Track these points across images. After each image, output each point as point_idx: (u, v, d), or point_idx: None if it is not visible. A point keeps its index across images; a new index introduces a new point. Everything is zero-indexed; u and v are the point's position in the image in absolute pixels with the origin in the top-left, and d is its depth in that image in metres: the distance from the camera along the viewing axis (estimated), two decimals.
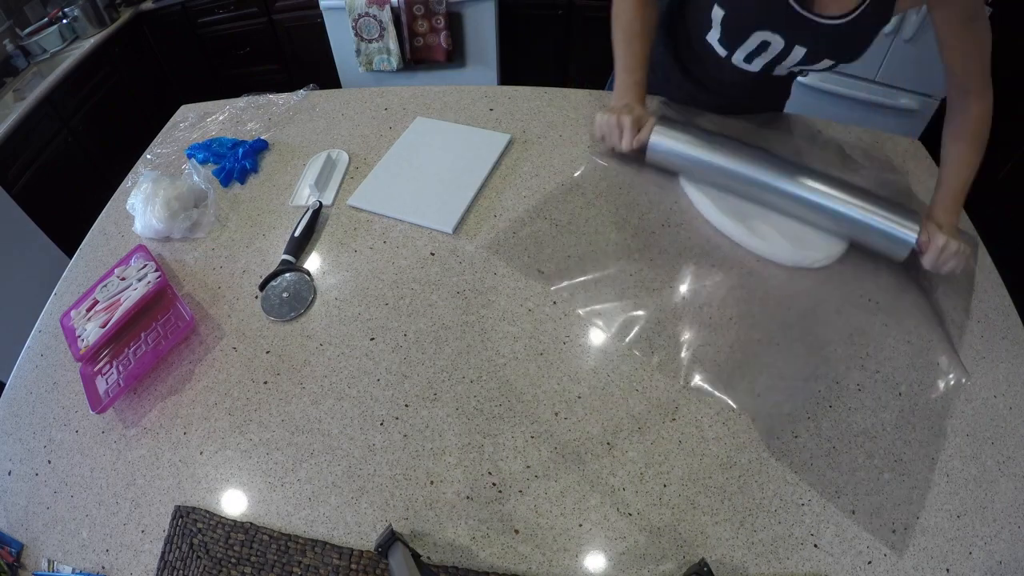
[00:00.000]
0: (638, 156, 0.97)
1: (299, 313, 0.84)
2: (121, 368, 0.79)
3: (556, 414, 0.72)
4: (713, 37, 0.93)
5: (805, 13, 0.81)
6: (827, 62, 0.87)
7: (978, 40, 0.79)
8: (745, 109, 1.10)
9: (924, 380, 0.75)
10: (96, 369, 0.80)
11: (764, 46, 0.88)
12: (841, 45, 0.85)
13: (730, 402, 0.72)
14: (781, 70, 0.94)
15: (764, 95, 1.12)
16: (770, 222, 0.89)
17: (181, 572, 0.63)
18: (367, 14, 2.26)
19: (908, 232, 0.80)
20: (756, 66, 0.94)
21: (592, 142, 1.05)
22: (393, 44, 2.33)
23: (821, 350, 0.77)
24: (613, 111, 0.94)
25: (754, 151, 0.91)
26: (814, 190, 0.85)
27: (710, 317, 0.81)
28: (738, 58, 0.94)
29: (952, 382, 0.74)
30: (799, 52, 0.87)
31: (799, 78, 1.31)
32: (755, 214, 0.90)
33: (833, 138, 1.08)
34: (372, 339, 0.81)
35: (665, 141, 0.93)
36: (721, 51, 0.95)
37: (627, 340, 0.78)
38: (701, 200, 0.93)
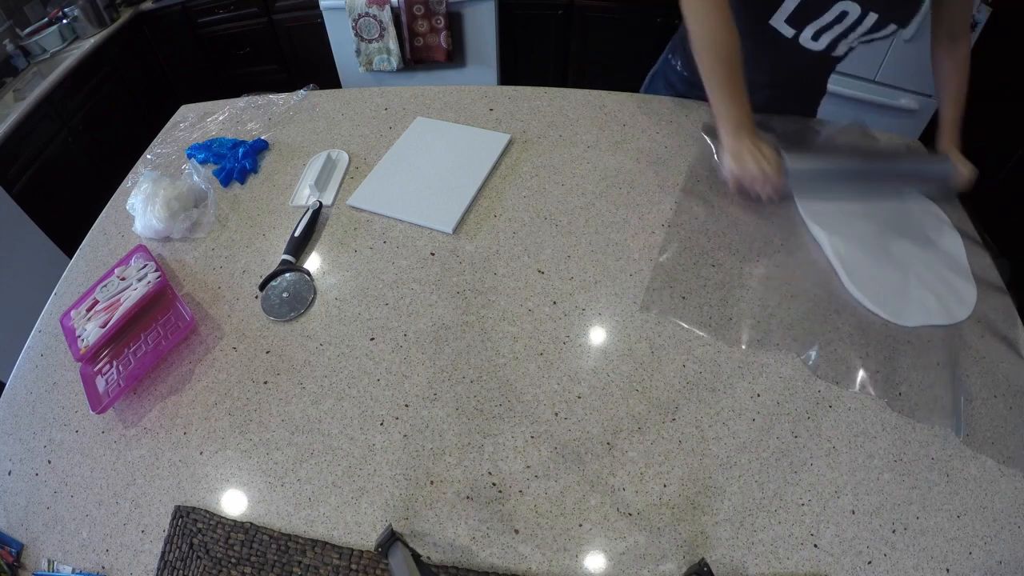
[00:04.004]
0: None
1: (299, 313, 0.84)
2: (121, 368, 0.79)
3: (556, 414, 0.72)
4: (779, 19, 0.94)
5: None
6: (892, 27, 0.90)
7: None
8: (787, 102, 1.11)
9: (924, 380, 0.75)
10: (96, 369, 0.80)
11: (841, 17, 0.90)
12: (905, 8, 0.88)
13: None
14: (844, 45, 0.96)
15: (810, 84, 1.15)
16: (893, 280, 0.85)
17: (181, 572, 0.63)
18: (367, 14, 2.26)
19: (946, 165, 0.94)
20: (823, 43, 0.95)
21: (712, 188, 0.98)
22: (393, 44, 2.33)
23: (822, 349, 0.77)
24: (750, 156, 0.89)
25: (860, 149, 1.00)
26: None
27: (710, 317, 0.81)
28: (806, 36, 0.95)
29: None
30: (871, 19, 0.89)
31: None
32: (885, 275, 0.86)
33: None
34: (372, 339, 0.81)
35: (801, 166, 0.91)
36: (787, 32, 0.95)
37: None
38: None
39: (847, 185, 0.95)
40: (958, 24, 0.95)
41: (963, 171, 0.93)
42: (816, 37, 0.94)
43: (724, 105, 0.91)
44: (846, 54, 1.01)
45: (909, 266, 0.86)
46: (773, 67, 1.04)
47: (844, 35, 0.93)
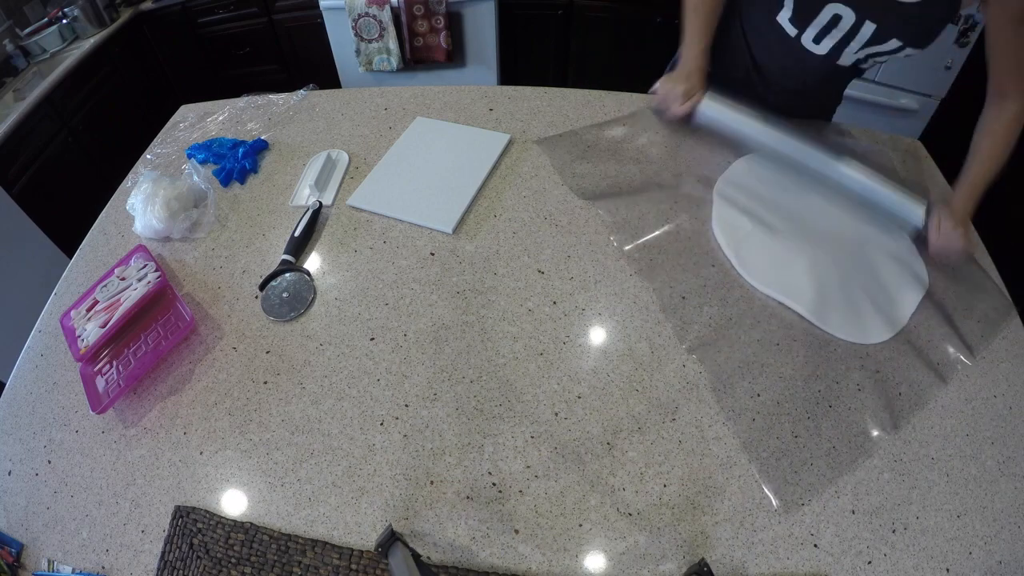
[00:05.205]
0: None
1: (299, 313, 0.84)
2: (121, 368, 0.79)
3: (556, 414, 0.72)
4: (784, 16, 0.96)
5: None
6: (895, 43, 0.88)
7: (1022, 44, 0.83)
8: (798, 107, 1.09)
9: (924, 380, 0.75)
10: (96, 369, 0.80)
11: (836, 20, 0.90)
12: (910, 26, 0.86)
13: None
14: (849, 53, 0.94)
15: (821, 92, 1.12)
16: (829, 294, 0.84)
17: (181, 572, 0.63)
18: (367, 14, 2.26)
19: (917, 210, 0.90)
20: (824, 47, 0.95)
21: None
22: (393, 44, 2.33)
23: (821, 349, 0.77)
24: (672, 80, 1.03)
25: (793, 130, 0.99)
26: (843, 166, 0.94)
27: (710, 317, 0.81)
28: (808, 37, 0.95)
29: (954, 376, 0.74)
30: (869, 28, 0.88)
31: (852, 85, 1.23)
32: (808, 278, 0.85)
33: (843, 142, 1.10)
34: (372, 339, 0.81)
35: (714, 107, 1.01)
36: (791, 30, 0.96)
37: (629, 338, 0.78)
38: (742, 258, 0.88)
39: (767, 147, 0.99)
40: (1010, 78, 0.85)
41: (954, 241, 0.86)
42: (817, 40, 0.94)
43: (684, 45, 1.05)
44: (857, 65, 0.98)
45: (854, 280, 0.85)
46: (782, 67, 1.04)
47: (845, 42, 0.92)
